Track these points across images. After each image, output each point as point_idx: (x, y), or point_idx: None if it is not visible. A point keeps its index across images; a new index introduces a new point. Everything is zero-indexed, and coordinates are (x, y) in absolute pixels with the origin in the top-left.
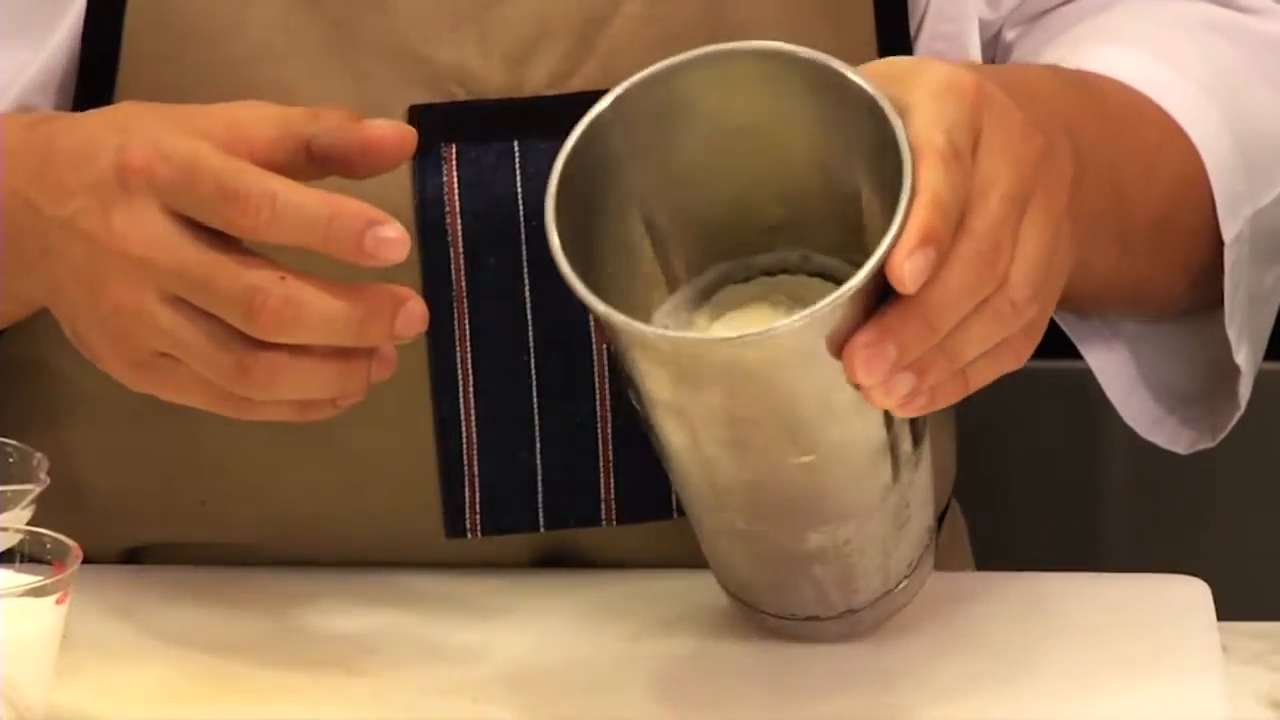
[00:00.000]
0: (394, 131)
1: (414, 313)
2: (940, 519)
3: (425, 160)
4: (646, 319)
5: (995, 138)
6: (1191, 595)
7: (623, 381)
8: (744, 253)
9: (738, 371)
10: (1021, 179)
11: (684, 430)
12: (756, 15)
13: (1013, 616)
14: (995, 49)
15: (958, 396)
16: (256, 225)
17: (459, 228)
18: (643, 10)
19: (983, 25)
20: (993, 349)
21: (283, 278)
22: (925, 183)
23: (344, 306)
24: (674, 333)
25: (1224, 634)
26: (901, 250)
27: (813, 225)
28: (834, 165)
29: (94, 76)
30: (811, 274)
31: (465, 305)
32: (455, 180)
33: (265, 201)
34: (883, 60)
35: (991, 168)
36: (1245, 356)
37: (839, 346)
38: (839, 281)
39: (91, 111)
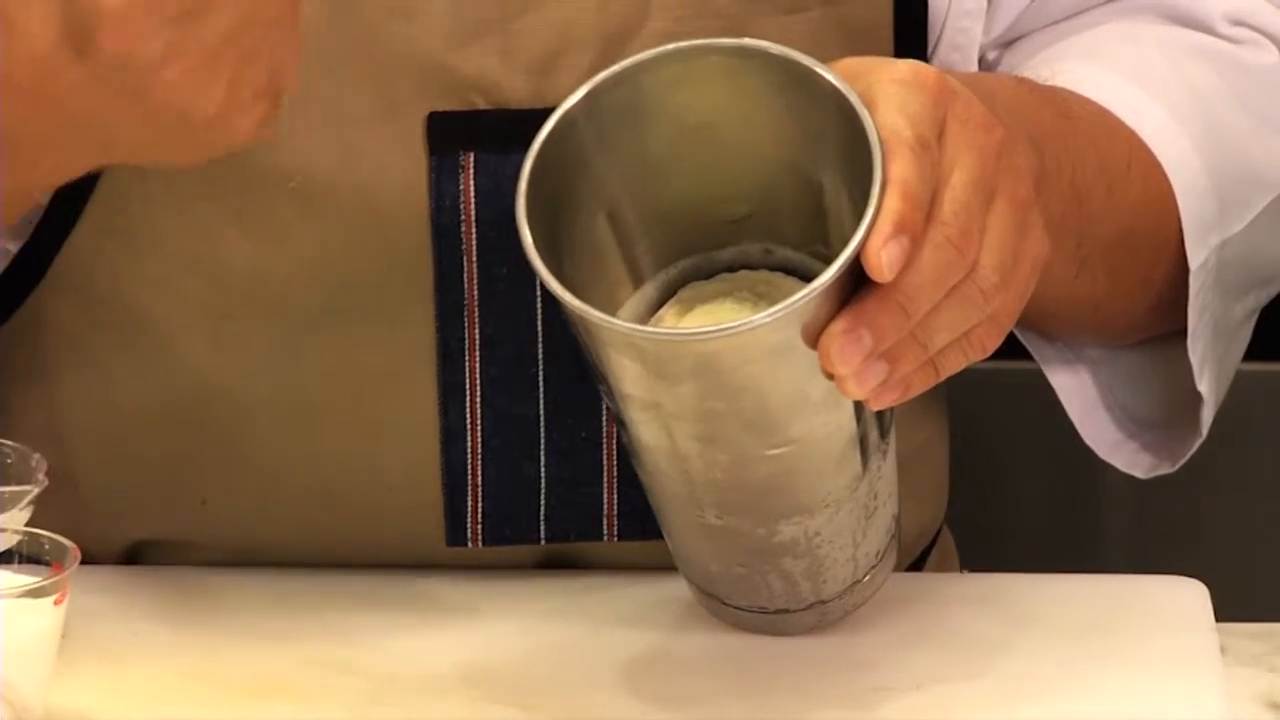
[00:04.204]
0: None
1: None
2: (930, 544)
3: (443, 168)
4: (613, 316)
5: (958, 128)
6: (1190, 596)
7: (594, 378)
8: (707, 248)
9: (713, 365)
10: (985, 167)
11: (657, 425)
12: (778, 37)
13: (1008, 617)
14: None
15: (928, 385)
16: None
17: (474, 237)
18: (667, 27)
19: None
20: (961, 337)
21: None
22: (895, 173)
23: None
24: (652, 329)
25: (1223, 635)
26: (877, 239)
27: (777, 219)
28: (799, 159)
29: None
30: (774, 268)
31: (476, 315)
32: (472, 189)
33: None
34: (845, 59)
35: (956, 156)
36: (1208, 385)
37: (813, 338)
38: (802, 275)
39: None
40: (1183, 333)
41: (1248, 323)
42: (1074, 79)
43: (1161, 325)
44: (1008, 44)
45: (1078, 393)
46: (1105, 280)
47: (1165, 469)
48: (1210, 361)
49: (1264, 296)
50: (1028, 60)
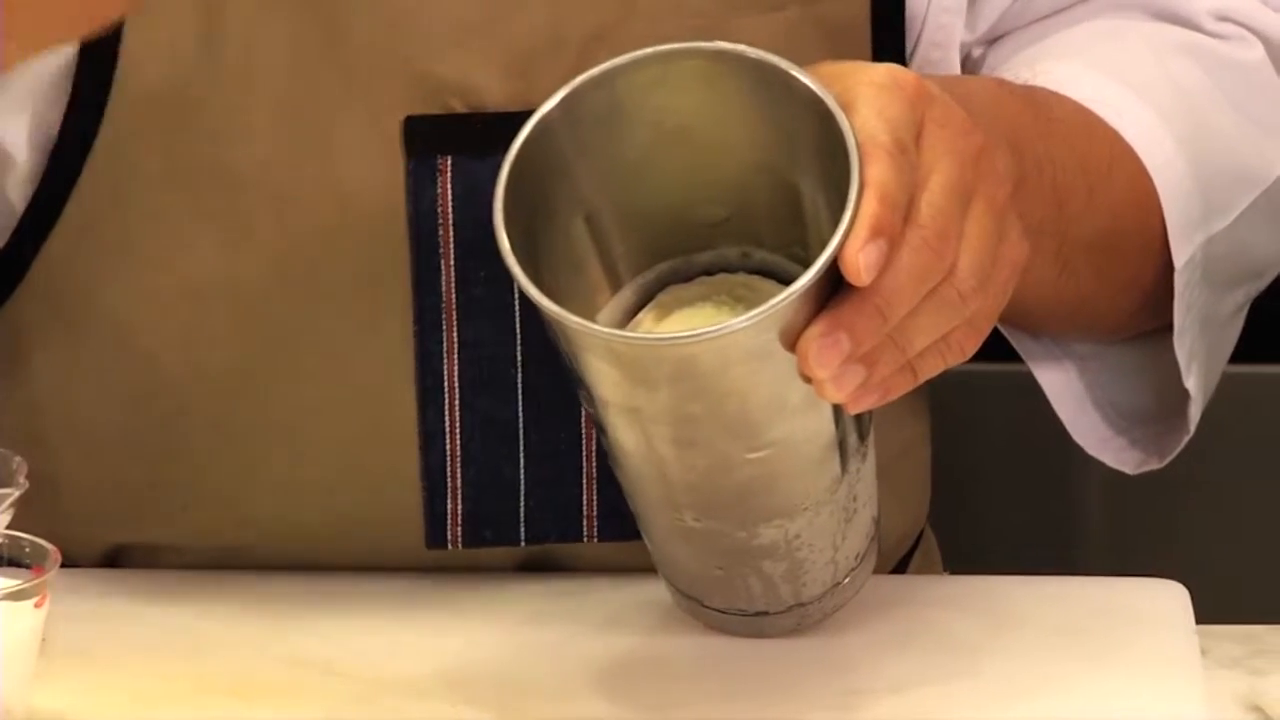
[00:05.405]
0: None
1: None
2: (914, 547)
3: (420, 171)
4: (590, 321)
5: (936, 131)
6: (1170, 598)
7: (572, 383)
8: (684, 251)
9: (691, 370)
10: (963, 171)
11: (635, 430)
12: (756, 39)
13: (988, 619)
14: (964, 68)
15: (906, 388)
16: None
17: (452, 240)
18: (646, 28)
19: (961, 47)
20: (939, 341)
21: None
22: (873, 176)
23: None
24: (629, 333)
25: (1203, 637)
26: (855, 242)
27: (754, 222)
28: (776, 163)
29: (91, 77)
30: (752, 271)
31: (455, 317)
32: (449, 192)
33: None
34: (823, 63)
35: (934, 160)
36: (1196, 381)
37: (791, 342)
38: (780, 277)
39: None
40: (1168, 326)
41: (1238, 315)
42: (1056, 79)
43: (1149, 321)
44: (992, 41)
45: (1065, 389)
46: (1090, 279)
47: (1153, 465)
48: (1198, 358)
49: (1254, 289)
50: (1012, 57)
